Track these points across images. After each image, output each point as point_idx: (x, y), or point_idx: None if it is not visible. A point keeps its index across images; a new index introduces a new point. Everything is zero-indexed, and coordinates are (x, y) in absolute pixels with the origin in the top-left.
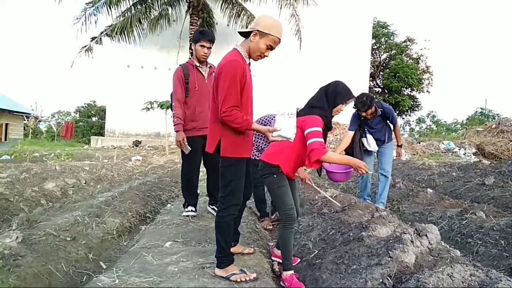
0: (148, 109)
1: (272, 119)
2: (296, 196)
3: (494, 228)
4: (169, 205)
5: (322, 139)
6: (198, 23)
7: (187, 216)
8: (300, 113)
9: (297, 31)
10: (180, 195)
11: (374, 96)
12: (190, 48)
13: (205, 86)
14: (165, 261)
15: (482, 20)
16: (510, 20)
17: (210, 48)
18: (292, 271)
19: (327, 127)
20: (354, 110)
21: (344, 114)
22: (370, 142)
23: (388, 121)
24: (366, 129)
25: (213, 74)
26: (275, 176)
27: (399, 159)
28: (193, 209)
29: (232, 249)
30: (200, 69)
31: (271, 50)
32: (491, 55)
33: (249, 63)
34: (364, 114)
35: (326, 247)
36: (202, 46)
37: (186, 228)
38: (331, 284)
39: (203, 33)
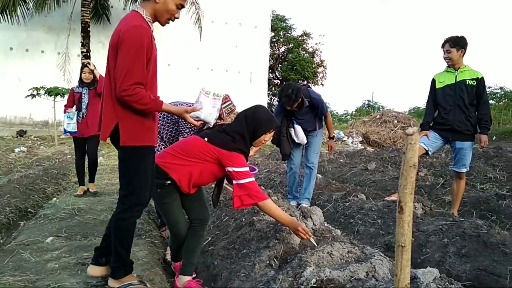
0: (34, 95)
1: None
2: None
3: (373, 209)
4: (54, 198)
5: (254, 181)
6: (91, 5)
7: None
8: (211, 135)
9: (197, 19)
10: (68, 188)
11: (301, 86)
12: (82, 32)
13: None
14: (45, 257)
15: (370, 17)
16: (396, 17)
17: None
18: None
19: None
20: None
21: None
22: (298, 134)
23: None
24: (293, 119)
25: None
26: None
27: (331, 152)
28: None
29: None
30: None
31: (181, 9)
32: (378, 52)
33: (153, 30)
34: (289, 108)
35: (219, 233)
36: None
37: (71, 222)
38: (222, 269)
39: None
